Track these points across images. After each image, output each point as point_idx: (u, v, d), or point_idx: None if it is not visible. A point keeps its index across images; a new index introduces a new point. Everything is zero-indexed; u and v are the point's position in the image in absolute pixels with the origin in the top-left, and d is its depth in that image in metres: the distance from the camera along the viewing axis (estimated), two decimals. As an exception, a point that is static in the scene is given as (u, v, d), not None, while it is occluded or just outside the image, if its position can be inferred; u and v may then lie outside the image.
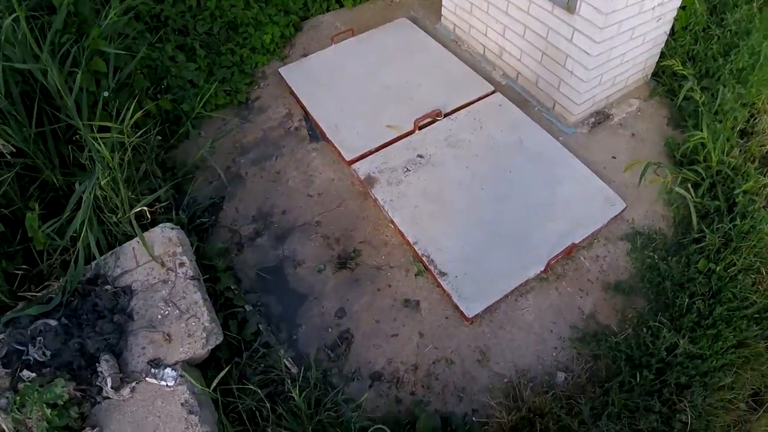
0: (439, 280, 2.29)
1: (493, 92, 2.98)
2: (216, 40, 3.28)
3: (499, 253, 2.35)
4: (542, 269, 2.31)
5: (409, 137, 2.80)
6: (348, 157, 2.72)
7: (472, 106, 2.93)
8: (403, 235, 2.43)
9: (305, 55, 3.37)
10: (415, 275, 2.39)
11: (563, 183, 2.56)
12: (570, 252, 2.35)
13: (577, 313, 2.30)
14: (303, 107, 3.04)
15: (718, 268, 2.21)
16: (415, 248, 2.37)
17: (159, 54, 2.98)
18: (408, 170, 2.65)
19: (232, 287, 2.32)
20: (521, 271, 2.31)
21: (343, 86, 3.11)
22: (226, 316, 2.23)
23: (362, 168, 2.67)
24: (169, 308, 2.00)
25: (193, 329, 1.95)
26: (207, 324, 1.97)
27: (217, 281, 2.30)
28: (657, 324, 2.16)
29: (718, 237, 2.32)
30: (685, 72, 2.61)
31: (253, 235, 2.58)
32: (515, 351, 2.22)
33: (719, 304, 2.16)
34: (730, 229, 2.31)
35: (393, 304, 2.33)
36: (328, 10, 3.76)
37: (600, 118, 2.87)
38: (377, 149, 2.75)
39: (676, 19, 2.82)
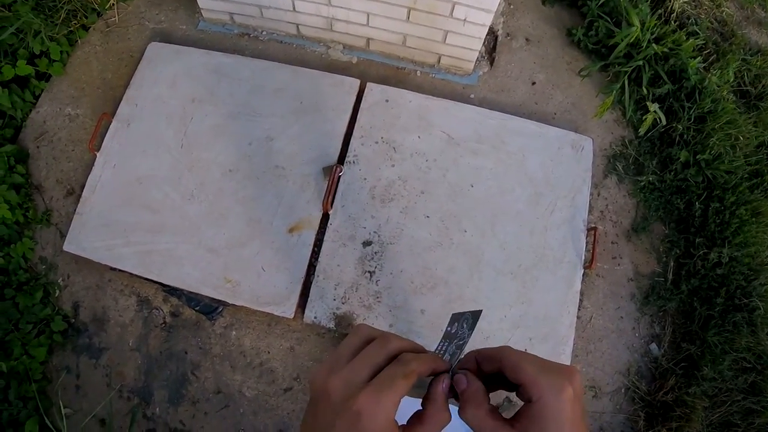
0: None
1: (364, 86, 2.11)
2: None
3: (547, 277, 1.94)
4: (587, 268, 1.99)
5: (331, 228, 1.94)
6: (288, 312, 1.84)
7: (357, 126, 2.06)
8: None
9: (71, 194, 2.00)
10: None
11: (528, 160, 2.06)
12: (597, 238, 2.02)
13: (626, 283, 2.11)
14: (142, 278, 1.90)
15: (702, 157, 2.10)
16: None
17: None
18: (371, 274, 1.90)
19: None
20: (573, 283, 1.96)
21: (166, 209, 1.95)
22: None
23: (319, 312, 1.85)
24: None
25: None
26: None
27: None
28: (698, 251, 2.07)
29: (688, 122, 2.15)
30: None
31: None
32: (610, 361, 2.03)
33: (720, 190, 2.11)
34: (693, 110, 2.13)
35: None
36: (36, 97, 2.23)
37: (490, 41, 2.24)
38: (304, 286, 1.89)
39: None
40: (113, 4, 2.30)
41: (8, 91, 2.15)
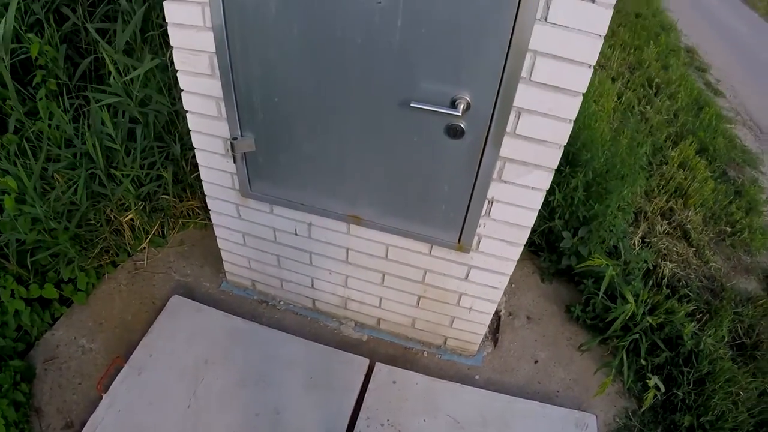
0: None
1: (373, 365, 2.19)
2: None
3: None
4: None
5: None
6: None
7: (364, 407, 2.09)
8: None
9: (69, 427, 1.98)
10: None
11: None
12: None
13: None
14: None
15: (705, 419, 2.15)
16: None
17: None
18: None
19: None
20: None
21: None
22: None
23: None
24: None
25: None
26: None
27: None
28: None
29: (688, 386, 2.24)
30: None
31: None
32: None
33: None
34: (692, 374, 2.25)
35: None
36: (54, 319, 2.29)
37: (493, 321, 2.39)
38: None
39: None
40: (144, 248, 2.46)
41: (30, 309, 2.21)
